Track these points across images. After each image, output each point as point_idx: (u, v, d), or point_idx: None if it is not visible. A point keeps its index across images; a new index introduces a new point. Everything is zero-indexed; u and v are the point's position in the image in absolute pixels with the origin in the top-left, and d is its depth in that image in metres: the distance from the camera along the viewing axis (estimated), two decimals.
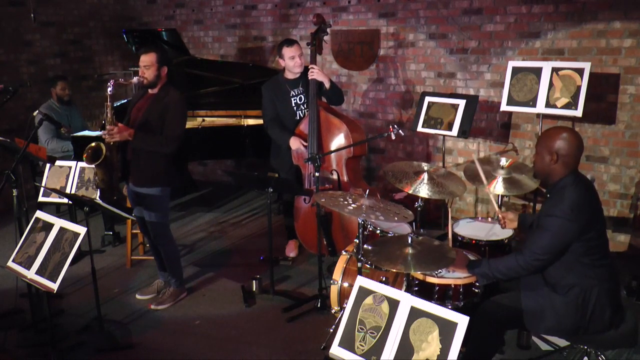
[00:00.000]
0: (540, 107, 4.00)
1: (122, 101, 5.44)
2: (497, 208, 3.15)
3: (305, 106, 4.31)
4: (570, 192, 2.47)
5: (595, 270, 2.48)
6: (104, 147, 3.50)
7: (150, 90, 3.66)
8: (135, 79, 3.59)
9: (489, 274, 2.63)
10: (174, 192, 3.85)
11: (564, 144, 2.50)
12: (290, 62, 4.20)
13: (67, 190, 4.09)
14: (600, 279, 2.48)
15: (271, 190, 3.79)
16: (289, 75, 4.28)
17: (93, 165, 3.53)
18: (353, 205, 2.93)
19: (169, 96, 3.60)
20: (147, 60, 3.54)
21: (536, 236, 2.51)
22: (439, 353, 1.98)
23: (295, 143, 4.16)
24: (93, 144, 3.56)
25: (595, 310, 2.48)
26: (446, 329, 2.00)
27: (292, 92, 4.28)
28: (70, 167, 4.20)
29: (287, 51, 4.18)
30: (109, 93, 3.48)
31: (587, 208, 2.46)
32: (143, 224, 3.87)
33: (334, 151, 4.07)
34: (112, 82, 3.49)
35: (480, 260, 2.78)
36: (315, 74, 4.12)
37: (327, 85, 4.16)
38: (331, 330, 3.34)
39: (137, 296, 4.02)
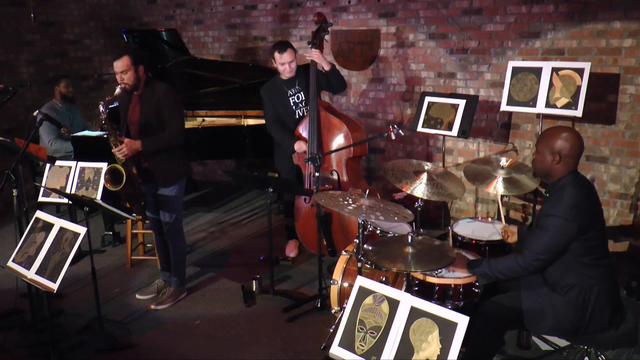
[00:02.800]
0: (540, 107, 4.00)
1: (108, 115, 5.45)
2: (504, 222, 3.18)
3: (304, 104, 4.29)
4: (569, 191, 2.47)
5: (595, 270, 2.48)
6: (122, 169, 3.49)
7: (135, 92, 3.63)
8: (118, 89, 3.51)
9: (489, 273, 2.63)
10: None
11: (567, 144, 2.49)
12: (280, 67, 4.18)
13: (67, 190, 4.09)
14: (600, 278, 2.49)
15: (271, 190, 3.79)
16: (284, 76, 4.27)
17: (117, 189, 3.53)
18: (353, 205, 2.93)
19: (156, 91, 3.56)
20: (121, 65, 3.46)
21: (536, 236, 2.51)
22: (439, 353, 1.98)
23: (299, 146, 4.16)
24: (110, 167, 3.55)
25: (594, 310, 2.48)
26: (446, 329, 2.00)
27: (290, 92, 4.26)
28: (70, 167, 4.19)
29: (278, 57, 4.15)
30: (104, 116, 3.45)
31: (586, 208, 2.46)
32: (156, 225, 3.89)
33: (334, 151, 4.07)
34: (102, 103, 3.45)
35: (480, 260, 2.79)
36: (315, 56, 4.09)
37: (326, 67, 4.13)
38: (331, 330, 3.34)
39: (137, 296, 4.02)
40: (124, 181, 3.48)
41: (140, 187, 3.68)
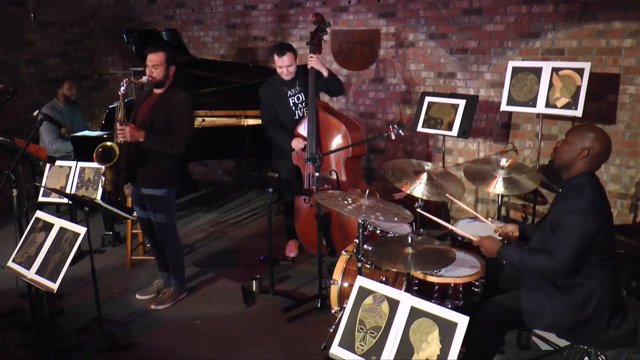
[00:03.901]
0: (540, 107, 4.00)
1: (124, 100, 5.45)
2: (495, 226, 3.00)
3: (303, 105, 4.29)
4: (588, 190, 2.45)
5: (599, 270, 2.47)
6: (117, 149, 3.47)
7: (155, 90, 3.65)
8: (144, 78, 3.57)
9: (518, 266, 2.55)
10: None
11: (598, 145, 2.47)
12: (279, 70, 4.19)
13: (67, 190, 4.09)
14: (603, 279, 2.48)
15: (271, 190, 3.79)
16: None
17: (103, 166, 3.51)
18: (353, 205, 2.93)
19: (176, 96, 3.59)
20: (156, 59, 3.53)
21: (560, 239, 2.43)
22: (439, 353, 1.98)
23: (297, 143, 4.16)
24: (107, 144, 3.51)
25: (594, 312, 2.47)
26: (446, 329, 2.00)
27: (289, 92, 4.26)
28: (70, 167, 4.20)
29: (277, 61, 4.15)
30: (122, 92, 3.49)
31: (603, 208, 2.46)
32: (145, 225, 3.86)
33: (334, 151, 4.07)
34: (125, 80, 3.50)
35: (512, 248, 2.60)
36: (314, 62, 4.11)
37: (325, 74, 4.15)
38: (331, 330, 3.34)
39: (137, 296, 4.02)
40: (114, 161, 3.45)
41: (122, 182, 3.62)
